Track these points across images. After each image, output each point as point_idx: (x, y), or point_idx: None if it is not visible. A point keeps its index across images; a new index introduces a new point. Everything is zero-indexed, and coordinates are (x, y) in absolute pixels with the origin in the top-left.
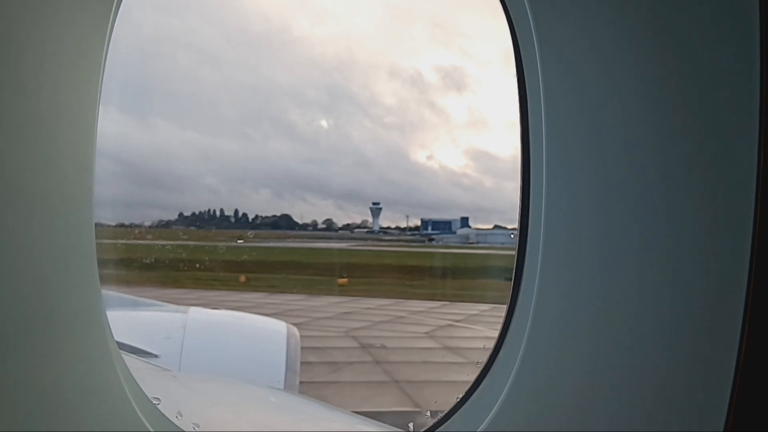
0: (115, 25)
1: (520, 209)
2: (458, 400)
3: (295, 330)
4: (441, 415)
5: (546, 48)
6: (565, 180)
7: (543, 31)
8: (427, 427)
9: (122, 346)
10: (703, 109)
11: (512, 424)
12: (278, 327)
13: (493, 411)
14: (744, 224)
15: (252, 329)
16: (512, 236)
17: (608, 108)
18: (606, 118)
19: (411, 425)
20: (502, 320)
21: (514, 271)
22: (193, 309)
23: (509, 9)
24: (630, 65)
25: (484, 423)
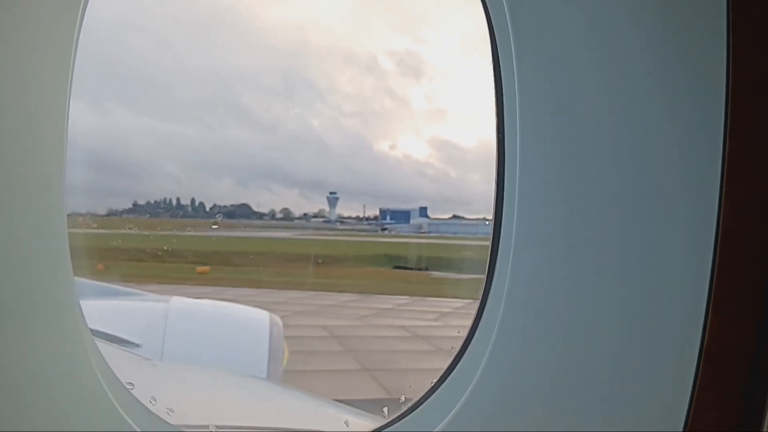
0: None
1: (494, 200)
2: (418, 398)
3: (278, 319)
4: (399, 413)
5: (520, 35)
6: (538, 171)
7: (517, 17)
8: (383, 423)
9: (103, 335)
10: (673, 104)
11: (472, 425)
12: (261, 316)
13: (452, 412)
14: (708, 220)
15: (235, 318)
16: (487, 223)
17: (582, 99)
18: (580, 108)
19: (386, 410)
20: (471, 320)
21: (487, 265)
22: (175, 298)
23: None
24: (604, 57)
25: (442, 423)
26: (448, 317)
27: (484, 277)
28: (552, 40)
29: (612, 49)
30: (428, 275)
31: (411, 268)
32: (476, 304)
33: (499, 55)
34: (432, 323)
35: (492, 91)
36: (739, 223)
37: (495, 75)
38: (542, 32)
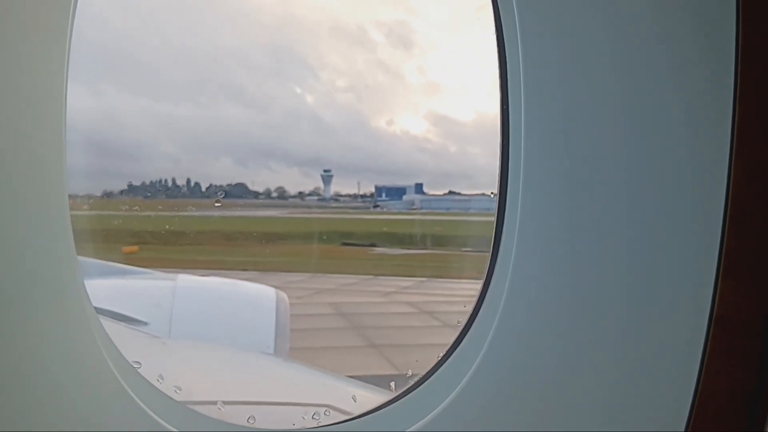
0: None
1: (499, 174)
2: (425, 373)
3: (284, 296)
4: (406, 387)
5: (524, 3)
6: (544, 143)
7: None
8: (390, 398)
9: (111, 314)
10: (681, 68)
11: (478, 400)
12: (268, 293)
13: (458, 386)
14: (719, 184)
15: (241, 295)
16: (492, 196)
17: (588, 67)
18: (585, 77)
19: (393, 384)
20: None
21: (492, 239)
22: (182, 276)
23: None
24: (609, 25)
25: (448, 398)
26: (321, 294)
27: (489, 251)
28: (556, 7)
29: (616, 15)
30: (368, 251)
31: (359, 245)
32: (482, 278)
33: (503, 26)
34: (293, 301)
35: (495, 62)
36: (750, 186)
37: (498, 45)
38: (547, 1)
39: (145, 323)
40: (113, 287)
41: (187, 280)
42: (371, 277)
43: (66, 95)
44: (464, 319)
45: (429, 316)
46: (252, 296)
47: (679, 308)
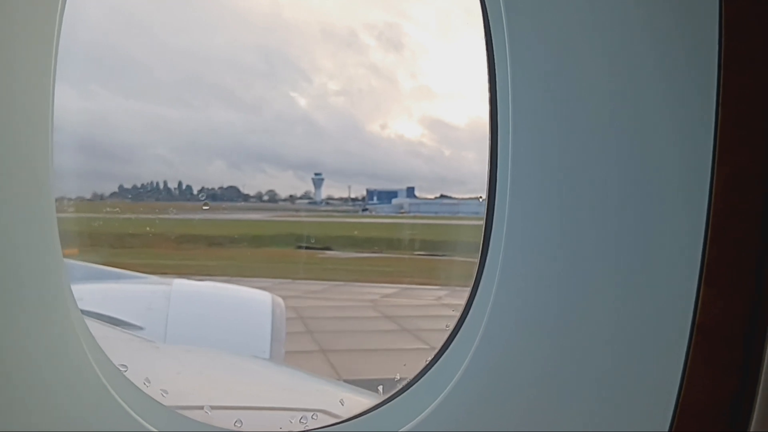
0: None
1: (488, 179)
2: (413, 377)
3: (280, 300)
4: (393, 391)
5: (512, 7)
6: (532, 147)
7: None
8: (379, 401)
9: (105, 318)
10: (665, 75)
11: (465, 403)
12: (263, 298)
13: (446, 390)
14: (700, 191)
15: (237, 300)
16: (481, 201)
17: (576, 72)
18: (573, 82)
19: (381, 388)
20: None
21: (480, 245)
22: (177, 281)
23: None
24: (598, 30)
25: (435, 401)
26: None
27: (477, 256)
28: (545, 13)
29: (606, 20)
30: (317, 254)
31: (313, 248)
32: (470, 283)
33: (491, 30)
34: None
35: (484, 65)
36: (732, 194)
37: (487, 49)
38: (535, 5)
39: (141, 327)
40: (108, 291)
41: (182, 284)
42: (289, 280)
43: (53, 96)
44: (452, 323)
45: (300, 322)
46: (247, 301)
47: (662, 316)
